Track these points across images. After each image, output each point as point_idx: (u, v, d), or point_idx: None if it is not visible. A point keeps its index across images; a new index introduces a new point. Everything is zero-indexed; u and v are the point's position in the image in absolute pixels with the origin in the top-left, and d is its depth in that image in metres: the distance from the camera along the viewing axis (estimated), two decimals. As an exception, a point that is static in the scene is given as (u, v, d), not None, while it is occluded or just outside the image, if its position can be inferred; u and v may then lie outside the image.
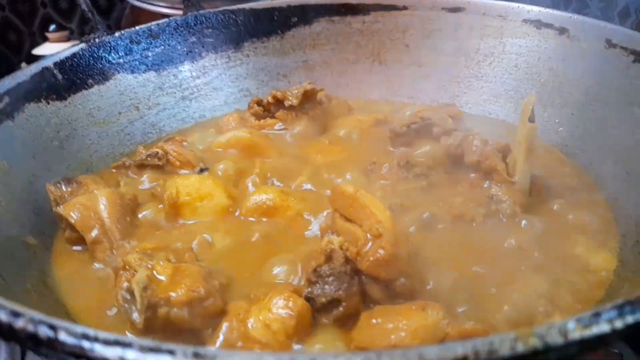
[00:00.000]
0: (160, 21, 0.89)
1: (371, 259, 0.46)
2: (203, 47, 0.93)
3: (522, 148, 0.64)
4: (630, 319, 0.28)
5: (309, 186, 0.71)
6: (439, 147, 0.73)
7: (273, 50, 0.98)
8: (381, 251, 0.46)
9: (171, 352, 0.27)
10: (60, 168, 0.71)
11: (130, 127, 0.84)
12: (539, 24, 0.83)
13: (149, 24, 0.88)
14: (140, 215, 0.65)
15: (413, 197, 0.65)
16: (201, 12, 0.92)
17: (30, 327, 0.29)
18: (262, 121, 0.86)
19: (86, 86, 0.79)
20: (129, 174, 0.75)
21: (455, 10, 0.92)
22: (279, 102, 0.87)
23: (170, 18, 0.91)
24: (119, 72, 0.84)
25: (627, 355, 0.63)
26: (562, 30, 0.81)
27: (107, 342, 0.28)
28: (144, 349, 0.27)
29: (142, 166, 0.75)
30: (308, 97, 0.87)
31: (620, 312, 0.28)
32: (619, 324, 0.27)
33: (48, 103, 0.73)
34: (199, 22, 0.92)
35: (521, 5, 0.86)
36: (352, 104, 0.93)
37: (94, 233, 0.59)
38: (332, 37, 0.98)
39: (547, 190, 0.67)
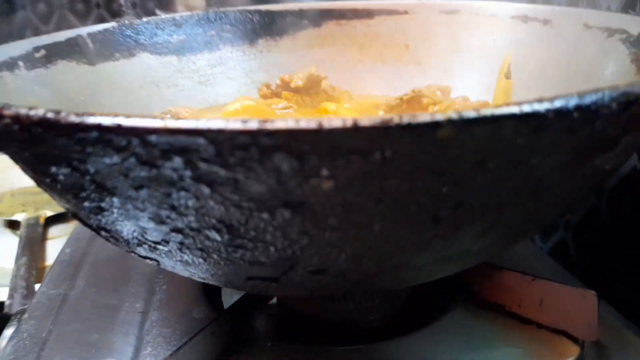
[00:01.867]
0: (184, 13, 1.00)
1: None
2: (221, 40, 1.03)
3: (499, 102, 0.70)
4: (535, 107, 0.33)
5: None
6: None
7: (285, 48, 1.07)
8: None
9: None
10: (82, 117, 0.79)
11: (149, 100, 0.92)
12: (525, 18, 0.91)
13: (173, 15, 0.98)
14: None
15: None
16: (221, 9, 1.03)
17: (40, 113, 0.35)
18: (268, 100, 0.94)
19: (113, 58, 0.88)
20: (143, 132, 0.83)
21: (451, 12, 1.01)
22: (286, 85, 0.95)
23: (193, 12, 1.01)
24: (143, 52, 0.93)
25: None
26: (545, 22, 0.88)
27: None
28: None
29: (155, 124, 0.82)
30: (313, 82, 0.96)
31: (530, 103, 0.33)
32: (516, 109, 0.32)
33: (78, 64, 0.82)
34: (218, 18, 1.03)
35: (509, 3, 0.94)
36: (355, 97, 1.01)
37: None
38: (339, 38, 1.08)
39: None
